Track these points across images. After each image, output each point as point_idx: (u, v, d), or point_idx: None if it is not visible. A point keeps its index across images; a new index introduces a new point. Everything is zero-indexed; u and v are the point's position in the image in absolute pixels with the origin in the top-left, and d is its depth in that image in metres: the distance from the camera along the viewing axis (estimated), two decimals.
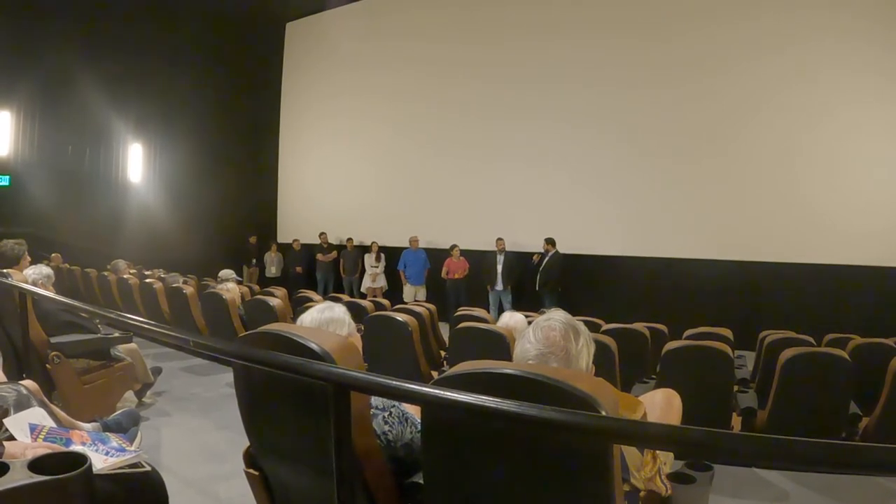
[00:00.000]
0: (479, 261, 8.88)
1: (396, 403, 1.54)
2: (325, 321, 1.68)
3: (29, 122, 9.48)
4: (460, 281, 8.95)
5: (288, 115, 12.27)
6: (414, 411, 1.53)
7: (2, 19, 8.69)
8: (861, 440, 3.09)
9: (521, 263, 8.67)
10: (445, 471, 1.23)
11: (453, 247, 9.04)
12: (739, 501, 2.75)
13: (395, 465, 1.47)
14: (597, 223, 8.57)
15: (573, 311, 1.60)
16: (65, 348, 3.30)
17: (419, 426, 1.33)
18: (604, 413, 0.99)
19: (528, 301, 8.15)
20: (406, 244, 9.55)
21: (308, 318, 1.70)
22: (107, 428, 2.60)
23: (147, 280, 6.91)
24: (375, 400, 1.51)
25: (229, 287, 5.78)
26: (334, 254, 10.65)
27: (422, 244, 9.54)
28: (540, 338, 1.34)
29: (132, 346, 3.84)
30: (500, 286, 8.63)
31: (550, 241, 8.28)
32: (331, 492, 1.23)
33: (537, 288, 8.26)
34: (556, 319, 1.37)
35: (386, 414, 1.50)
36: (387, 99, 10.63)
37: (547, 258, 8.26)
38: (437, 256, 9.37)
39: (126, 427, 2.77)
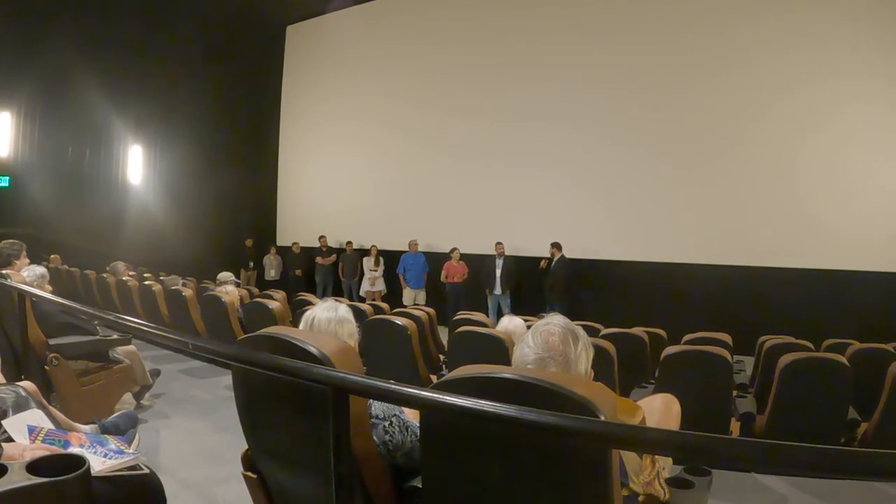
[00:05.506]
0: (479, 265, 8.88)
1: (397, 412, 1.53)
2: (339, 320, 1.69)
3: (29, 123, 9.48)
4: (459, 285, 8.94)
5: (288, 117, 12.29)
6: (413, 416, 1.53)
7: (2, 20, 8.71)
8: (860, 445, 3.09)
9: (520, 268, 8.66)
10: (444, 474, 1.22)
11: (453, 250, 9.04)
12: None
13: (393, 471, 1.46)
14: (595, 227, 8.56)
15: (577, 316, 1.60)
16: (63, 350, 3.29)
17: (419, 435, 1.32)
18: (602, 418, 0.99)
19: (527, 305, 8.14)
20: (405, 248, 9.55)
21: (324, 317, 1.69)
22: (105, 430, 2.60)
23: (146, 282, 6.91)
24: (375, 409, 1.51)
25: (228, 290, 5.78)
26: (334, 257, 10.64)
27: (421, 248, 9.54)
28: (539, 342, 1.34)
29: (131, 348, 3.84)
30: (499, 290, 8.63)
31: (557, 246, 8.25)
32: (329, 495, 1.23)
33: (546, 294, 8.23)
34: (555, 324, 1.37)
35: (386, 423, 1.50)
36: (387, 102, 10.65)
37: (554, 263, 8.24)
38: (436, 260, 9.37)
39: (124, 429, 2.76)
